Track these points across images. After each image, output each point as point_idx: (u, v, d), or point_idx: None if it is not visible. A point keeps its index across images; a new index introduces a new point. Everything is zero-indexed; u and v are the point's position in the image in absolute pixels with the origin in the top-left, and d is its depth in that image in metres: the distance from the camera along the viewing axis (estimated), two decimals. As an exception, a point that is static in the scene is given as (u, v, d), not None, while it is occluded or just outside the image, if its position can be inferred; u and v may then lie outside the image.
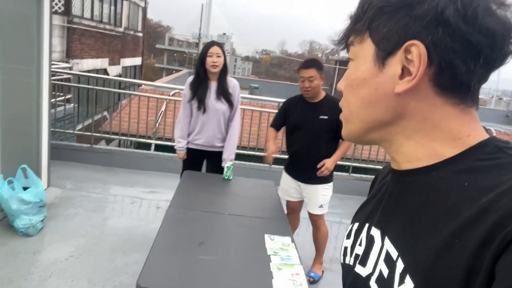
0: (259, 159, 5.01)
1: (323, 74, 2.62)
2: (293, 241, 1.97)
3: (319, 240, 2.94)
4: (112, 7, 13.17)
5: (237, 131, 3.04)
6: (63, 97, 5.19)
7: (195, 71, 2.96)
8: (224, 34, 63.06)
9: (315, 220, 2.88)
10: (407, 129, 0.51)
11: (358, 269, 0.58)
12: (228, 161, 2.91)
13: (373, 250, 0.55)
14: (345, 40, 0.57)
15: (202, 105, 2.87)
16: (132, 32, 15.85)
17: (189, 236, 1.89)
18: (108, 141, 7.48)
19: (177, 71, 30.79)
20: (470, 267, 0.39)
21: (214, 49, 2.83)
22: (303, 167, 2.77)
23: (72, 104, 5.53)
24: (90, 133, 4.87)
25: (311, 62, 2.61)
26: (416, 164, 0.52)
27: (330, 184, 2.81)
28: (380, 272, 0.51)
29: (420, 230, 0.46)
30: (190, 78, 2.98)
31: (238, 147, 4.25)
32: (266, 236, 1.98)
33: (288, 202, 2.98)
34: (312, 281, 2.88)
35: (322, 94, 2.69)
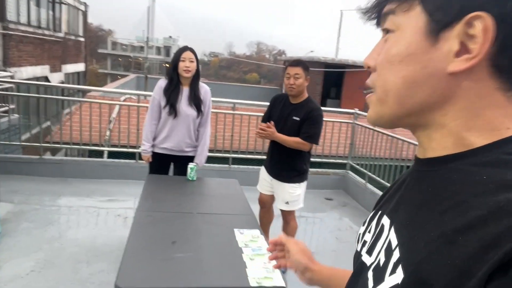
0: (218, 160, 5.07)
1: (308, 76, 2.75)
2: (261, 233, 2.08)
3: (287, 234, 3.05)
4: (50, 12, 12.52)
5: (208, 137, 3.08)
6: (6, 108, 4.90)
7: (168, 77, 2.94)
8: (170, 37, 61.93)
9: (285, 215, 3.01)
10: (447, 115, 0.46)
11: (365, 258, 0.55)
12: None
13: (380, 240, 0.52)
14: (379, 8, 0.51)
15: (173, 110, 2.87)
16: (73, 37, 15.15)
17: (161, 236, 1.92)
18: (54, 152, 7.13)
19: (123, 76, 29.78)
20: (466, 268, 0.36)
21: (187, 54, 2.84)
22: (274, 163, 2.94)
23: (16, 115, 5.23)
24: (39, 144, 4.65)
25: (299, 62, 2.77)
26: (440, 152, 0.48)
27: (300, 184, 2.89)
28: (379, 261, 0.49)
29: (425, 221, 0.43)
30: (161, 82, 2.96)
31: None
32: (235, 230, 2.06)
33: (260, 194, 3.13)
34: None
35: (305, 96, 2.79)
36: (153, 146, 3.03)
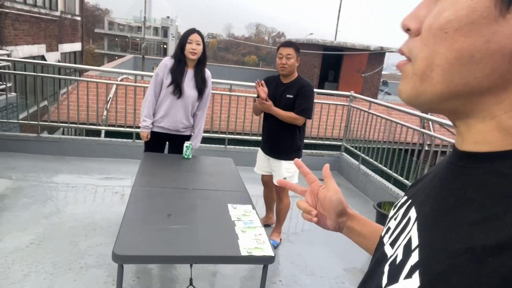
0: (214, 141, 5.13)
1: (299, 57, 2.87)
2: (253, 208, 2.15)
3: (280, 210, 3.16)
4: (46, -11, 12.32)
5: (203, 122, 3.17)
6: (3, 86, 4.91)
7: (174, 57, 2.96)
8: (168, 17, 61.07)
9: (279, 192, 3.12)
10: (501, 104, 0.39)
11: (387, 249, 0.51)
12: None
13: (403, 234, 0.47)
14: None
15: (178, 89, 2.90)
16: (69, 16, 14.95)
17: (157, 209, 1.99)
18: (52, 131, 7.17)
19: (120, 56, 29.52)
20: None
21: (194, 37, 2.87)
22: (270, 142, 3.05)
23: (13, 93, 5.24)
24: (36, 122, 4.68)
25: (291, 43, 2.90)
26: (482, 147, 0.41)
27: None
28: (396, 257, 0.45)
29: (451, 227, 0.38)
30: (167, 60, 2.97)
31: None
32: (229, 205, 2.14)
33: (261, 176, 3.29)
34: None
35: (295, 75, 2.92)
36: (152, 122, 3.06)
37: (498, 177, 0.38)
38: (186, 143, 2.95)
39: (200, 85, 2.99)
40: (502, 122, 0.39)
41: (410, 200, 0.51)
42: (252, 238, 1.79)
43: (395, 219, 0.53)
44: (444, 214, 0.41)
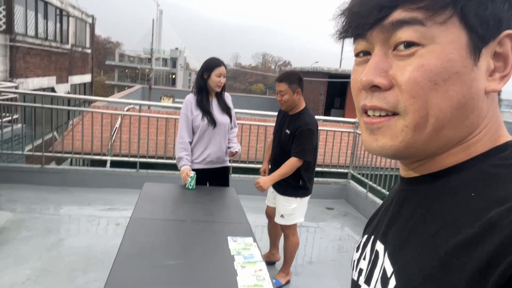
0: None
1: (297, 88, 2.65)
2: (255, 240, 2.06)
3: (285, 249, 2.94)
4: (58, 24, 12.76)
5: (236, 133, 3.17)
6: (9, 118, 4.96)
7: (196, 88, 2.91)
8: (177, 48, 62.68)
9: (283, 229, 2.93)
10: (477, 136, 0.44)
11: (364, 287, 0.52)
12: (231, 152, 2.98)
13: (377, 268, 0.49)
14: (380, 15, 0.42)
15: (212, 119, 2.87)
16: (80, 49, 15.39)
17: (153, 244, 1.91)
18: (59, 162, 7.20)
19: (130, 87, 30.13)
20: None
21: (221, 70, 2.84)
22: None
23: (19, 125, 5.29)
24: (41, 153, 4.69)
25: (282, 76, 2.70)
26: (433, 170, 0.45)
27: (297, 199, 2.80)
28: None
29: (417, 245, 0.41)
30: (190, 97, 2.92)
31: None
32: (229, 238, 2.05)
33: (266, 207, 3.12)
34: None
35: (301, 107, 2.73)
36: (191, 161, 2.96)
37: (445, 190, 0.42)
38: (191, 174, 2.86)
39: (227, 109, 2.98)
40: (465, 148, 0.44)
41: (372, 237, 0.54)
42: (252, 274, 1.70)
43: (364, 259, 0.54)
44: (408, 234, 0.43)
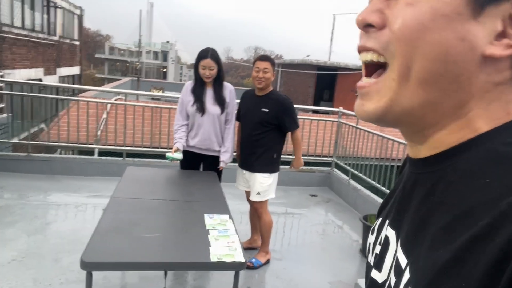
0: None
1: (275, 71, 2.96)
2: (230, 217, 2.16)
3: (261, 229, 3.04)
4: (45, 15, 12.63)
5: (232, 134, 3.15)
6: (-5, 106, 4.98)
7: (194, 76, 3.05)
8: (168, 42, 62.17)
9: (257, 208, 3.02)
10: (468, 108, 0.40)
11: (374, 273, 0.50)
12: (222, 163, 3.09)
13: (388, 254, 0.47)
14: None
15: (201, 107, 2.97)
16: (68, 41, 15.26)
17: (131, 220, 2.00)
18: (48, 152, 7.19)
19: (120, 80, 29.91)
20: None
21: (206, 62, 2.90)
22: (245, 155, 3.02)
23: (5, 114, 5.31)
24: (27, 142, 4.72)
25: (267, 57, 2.99)
26: (440, 149, 0.42)
27: (272, 175, 2.97)
28: (390, 281, 0.44)
29: (431, 236, 0.38)
30: (188, 84, 3.09)
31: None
32: (205, 215, 2.15)
33: (245, 193, 3.17)
34: (251, 266, 2.94)
35: (270, 89, 2.95)
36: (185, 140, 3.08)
37: (456, 175, 0.39)
38: (178, 149, 2.96)
39: (221, 100, 3.04)
40: (466, 124, 0.40)
41: (386, 220, 0.51)
42: (224, 246, 1.80)
43: (380, 244, 0.52)
44: (422, 225, 0.41)
